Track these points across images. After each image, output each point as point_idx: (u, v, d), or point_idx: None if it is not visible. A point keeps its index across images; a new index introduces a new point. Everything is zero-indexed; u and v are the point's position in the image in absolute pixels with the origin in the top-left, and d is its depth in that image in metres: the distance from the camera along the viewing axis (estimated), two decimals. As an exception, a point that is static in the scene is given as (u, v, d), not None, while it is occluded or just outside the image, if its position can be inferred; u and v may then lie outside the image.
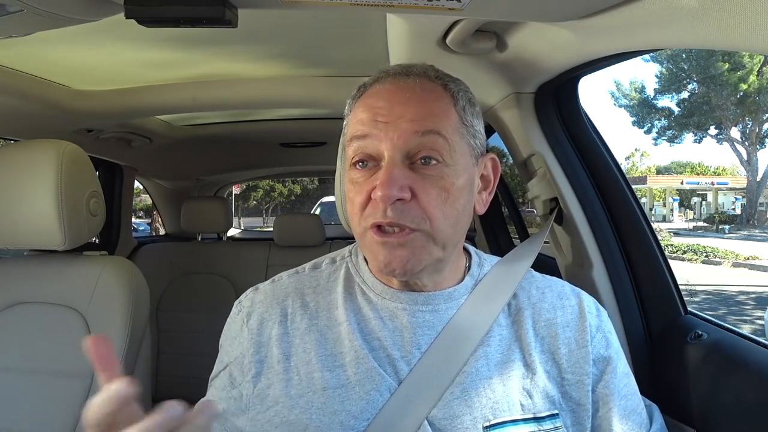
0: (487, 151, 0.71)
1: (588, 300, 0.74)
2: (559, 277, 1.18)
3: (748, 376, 0.79)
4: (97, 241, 2.38)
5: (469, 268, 0.75)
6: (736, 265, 11.90)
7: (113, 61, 1.35)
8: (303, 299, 0.72)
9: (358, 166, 0.65)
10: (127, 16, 0.63)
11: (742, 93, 19.49)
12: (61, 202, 1.10)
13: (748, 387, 0.78)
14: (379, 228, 0.63)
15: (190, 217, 2.53)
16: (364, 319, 0.69)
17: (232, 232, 4.26)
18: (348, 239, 2.52)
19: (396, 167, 0.62)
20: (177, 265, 2.39)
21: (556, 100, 1.12)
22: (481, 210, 0.71)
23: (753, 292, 9.13)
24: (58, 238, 1.11)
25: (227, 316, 0.76)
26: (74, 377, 1.10)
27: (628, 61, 0.92)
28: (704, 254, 12.79)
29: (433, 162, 0.63)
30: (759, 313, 7.71)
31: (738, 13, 0.50)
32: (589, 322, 0.71)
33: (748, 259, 12.08)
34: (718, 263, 12.27)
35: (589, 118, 1.13)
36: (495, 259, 0.79)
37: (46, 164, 1.11)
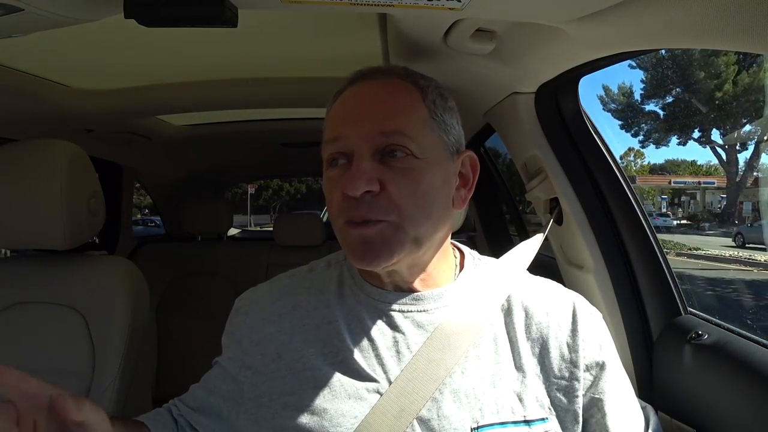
0: (466, 149, 0.72)
1: (582, 304, 0.73)
2: (559, 276, 1.17)
3: (748, 376, 0.78)
4: (97, 240, 2.38)
5: (462, 268, 0.75)
6: (679, 254, 12.96)
7: (113, 61, 1.35)
8: (296, 299, 0.73)
9: (332, 164, 0.67)
10: (127, 16, 0.63)
11: (719, 100, 19.75)
12: (62, 202, 1.09)
13: (748, 387, 0.77)
14: (352, 222, 0.64)
15: (190, 217, 2.53)
16: (355, 319, 0.70)
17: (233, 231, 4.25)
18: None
19: (364, 161, 0.63)
20: (177, 265, 2.39)
21: (556, 100, 1.11)
22: (460, 207, 0.71)
23: (680, 274, 9.97)
24: (58, 237, 1.11)
25: (227, 315, 0.76)
26: (74, 377, 1.10)
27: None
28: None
29: (401, 154, 0.64)
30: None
31: (736, 13, 0.50)
32: (581, 327, 0.70)
33: (691, 249, 13.17)
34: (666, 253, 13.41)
35: (589, 118, 1.13)
36: (490, 260, 0.79)
37: (46, 164, 1.10)
